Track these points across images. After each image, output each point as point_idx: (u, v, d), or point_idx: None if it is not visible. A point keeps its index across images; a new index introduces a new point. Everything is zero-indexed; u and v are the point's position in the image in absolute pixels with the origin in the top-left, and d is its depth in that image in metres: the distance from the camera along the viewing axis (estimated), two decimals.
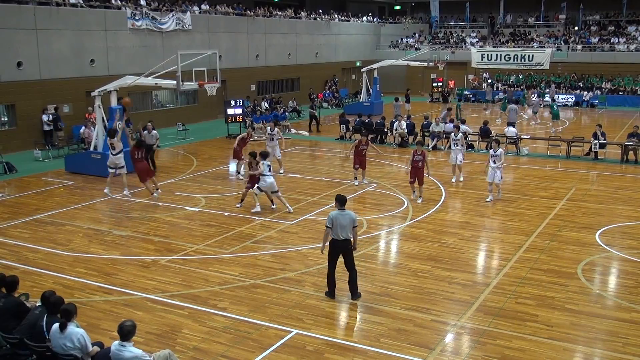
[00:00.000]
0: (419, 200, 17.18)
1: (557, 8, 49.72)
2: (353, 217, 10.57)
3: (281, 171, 20.45)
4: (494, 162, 16.90)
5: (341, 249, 10.59)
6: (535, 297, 10.92)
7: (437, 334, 9.63)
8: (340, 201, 10.71)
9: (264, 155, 16.17)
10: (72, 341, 7.40)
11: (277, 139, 20.60)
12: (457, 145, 19.50)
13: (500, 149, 17.10)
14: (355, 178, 19.41)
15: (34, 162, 23.07)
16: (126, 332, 7.20)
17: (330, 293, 10.86)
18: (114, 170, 17.83)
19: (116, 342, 7.29)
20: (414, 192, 17.44)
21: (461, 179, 19.72)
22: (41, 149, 23.90)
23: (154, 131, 21.47)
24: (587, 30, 48.96)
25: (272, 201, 16.53)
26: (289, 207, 16.14)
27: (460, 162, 19.57)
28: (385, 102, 37.49)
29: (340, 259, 10.72)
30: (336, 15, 47.68)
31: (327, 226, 10.56)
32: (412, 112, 34.02)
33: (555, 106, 31.97)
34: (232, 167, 21.78)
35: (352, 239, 10.61)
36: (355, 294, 10.79)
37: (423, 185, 17.33)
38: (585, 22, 50.07)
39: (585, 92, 42.59)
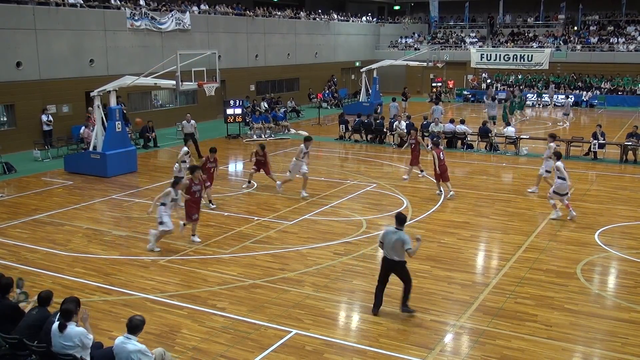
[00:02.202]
0: (451, 194, 17.67)
1: (557, 8, 49.77)
2: (403, 240, 9.78)
3: (304, 194, 17.72)
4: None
5: (389, 268, 10.10)
6: (534, 297, 10.92)
7: (437, 334, 9.63)
8: (399, 220, 10.03)
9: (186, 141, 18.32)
10: (73, 340, 7.41)
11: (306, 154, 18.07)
12: (543, 155, 18.52)
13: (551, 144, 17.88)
14: (421, 171, 20.33)
15: (33, 162, 23.06)
16: (134, 326, 7.34)
17: (375, 308, 10.28)
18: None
19: (121, 336, 7.36)
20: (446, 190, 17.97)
21: (533, 190, 18.20)
22: (40, 149, 23.89)
23: (192, 121, 23.71)
24: (587, 30, 48.99)
25: (210, 201, 16.72)
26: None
27: (543, 174, 17.95)
28: (385, 102, 37.49)
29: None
30: (335, 15, 47.70)
31: (379, 240, 10.24)
32: (411, 112, 34.04)
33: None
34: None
35: (402, 261, 9.98)
36: (404, 304, 10.19)
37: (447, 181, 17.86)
38: (585, 22, 50.10)
39: (585, 92, 42.63)
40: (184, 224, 14.10)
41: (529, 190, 18.26)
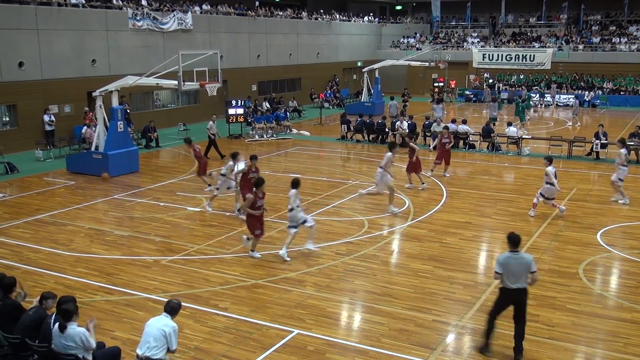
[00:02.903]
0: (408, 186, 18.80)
1: (559, 8, 49.73)
2: (529, 262, 8.73)
3: (394, 209, 16.14)
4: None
5: (513, 300, 8.84)
6: (536, 297, 10.89)
7: (439, 334, 9.63)
8: (513, 242, 8.84)
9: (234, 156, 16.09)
10: (74, 341, 7.42)
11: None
12: (615, 162, 17.44)
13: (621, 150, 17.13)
14: (432, 170, 20.36)
15: (35, 162, 23.09)
16: (171, 308, 7.81)
17: (484, 347, 9.05)
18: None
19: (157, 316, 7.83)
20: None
21: (614, 198, 17.28)
22: (42, 149, 23.93)
23: (216, 121, 24.68)
24: (589, 30, 48.94)
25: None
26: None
27: (616, 181, 17.00)
28: (386, 102, 37.44)
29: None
30: (337, 15, 47.68)
31: (496, 272, 8.86)
32: (413, 112, 33.99)
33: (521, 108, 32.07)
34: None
35: (526, 288, 8.83)
36: (518, 352, 8.90)
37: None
38: (587, 22, 50.06)
39: (587, 92, 42.56)
40: (247, 238, 13.07)
41: (612, 199, 17.34)
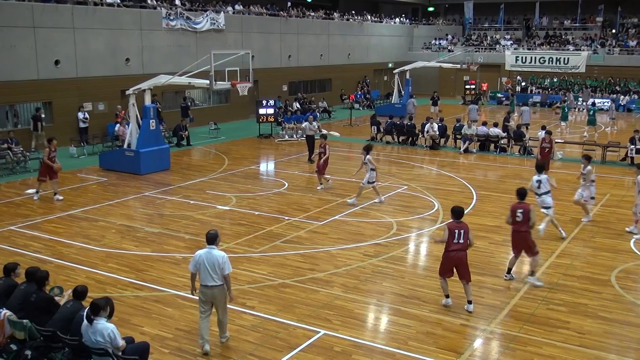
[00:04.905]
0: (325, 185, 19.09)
1: (594, 10, 48.93)
2: None
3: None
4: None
5: None
6: (567, 303, 10.75)
7: (466, 338, 9.54)
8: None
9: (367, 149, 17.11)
10: (103, 335, 7.52)
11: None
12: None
13: (587, 167, 15.42)
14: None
15: (69, 158, 23.47)
16: (211, 237, 8.89)
17: None
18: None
19: (203, 249, 8.88)
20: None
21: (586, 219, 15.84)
22: (77, 145, 24.34)
23: (314, 122, 25.15)
24: (625, 34, 48.02)
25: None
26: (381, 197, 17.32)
27: (587, 200, 15.84)
28: (417, 104, 37.23)
29: None
30: (369, 16, 47.61)
31: None
32: (443, 114, 33.77)
33: (592, 112, 30.91)
34: None
35: None
36: None
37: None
38: (623, 25, 49.12)
39: (622, 96, 41.74)
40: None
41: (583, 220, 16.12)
